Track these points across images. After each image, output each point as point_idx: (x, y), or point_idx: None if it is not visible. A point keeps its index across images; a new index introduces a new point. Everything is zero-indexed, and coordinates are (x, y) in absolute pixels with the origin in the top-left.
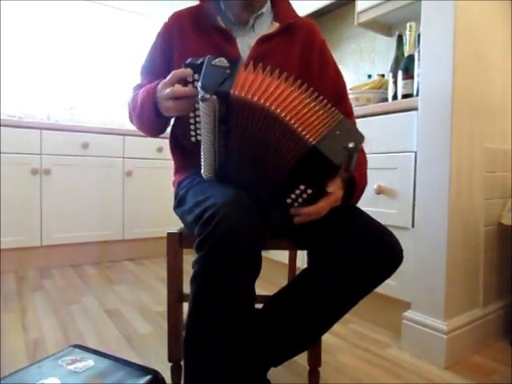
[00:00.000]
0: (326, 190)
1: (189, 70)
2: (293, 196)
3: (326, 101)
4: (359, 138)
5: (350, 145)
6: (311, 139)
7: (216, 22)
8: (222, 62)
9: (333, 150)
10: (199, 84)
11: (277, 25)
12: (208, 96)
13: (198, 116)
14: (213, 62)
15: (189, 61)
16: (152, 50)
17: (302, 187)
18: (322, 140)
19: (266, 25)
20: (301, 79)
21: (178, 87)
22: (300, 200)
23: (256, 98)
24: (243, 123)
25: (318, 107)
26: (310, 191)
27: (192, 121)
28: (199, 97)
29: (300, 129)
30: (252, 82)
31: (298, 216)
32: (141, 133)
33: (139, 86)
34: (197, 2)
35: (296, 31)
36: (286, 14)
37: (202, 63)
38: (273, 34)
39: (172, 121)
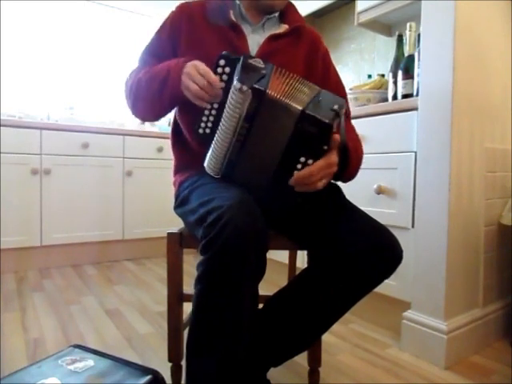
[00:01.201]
0: (324, 149)
1: (221, 83)
2: (296, 172)
3: (303, 79)
4: (341, 101)
5: (335, 106)
6: (300, 107)
7: (228, 16)
8: (257, 62)
9: (320, 111)
10: (236, 76)
11: (285, 26)
12: (245, 88)
13: (215, 109)
14: (249, 60)
15: (224, 53)
16: (158, 33)
17: (303, 159)
18: (308, 106)
19: (275, 26)
20: (305, 77)
21: (205, 82)
22: None
23: (285, 100)
24: (266, 123)
25: (302, 86)
26: (310, 161)
27: (207, 112)
28: (235, 88)
29: (289, 101)
30: (279, 85)
31: (297, 184)
32: (142, 118)
33: (139, 69)
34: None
35: (303, 35)
36: (294, 18)
37: (238, 59)
38: (282, 34)
39: (176, 111)
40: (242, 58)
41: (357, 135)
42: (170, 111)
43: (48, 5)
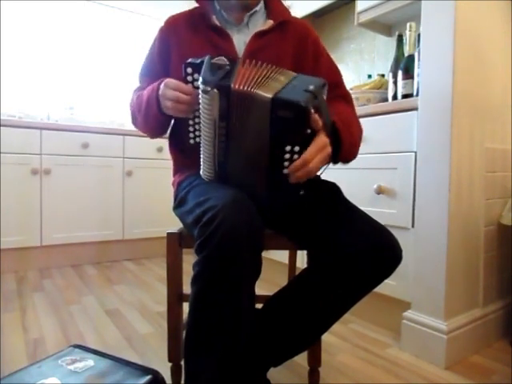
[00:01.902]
0: (307, 132)
1: (192, 90)
2: (286, 164)
3: (280, 68)
4: (318, 81)
5: (311, 87)
6: (269, 95)
7: (211, 21)
8: (221, 59)
9: (293, 94)
10: (200, 79)
11: (271, 22)
12: (209, 89)
13: (197, 117)
14: (213, 60)
15: (189, 60)
16: (150, 53)
17: (288, 148)
18: (280, 92)
19: (260, 22)
20: (294, 71)
21: (182, 95)
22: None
23: (251, 89)
24: (241, 117)
25: (276, 74)
26: (297, 148)
27: (191, 122)
28: (200, 90)
29: (258, 91)
30: (249, 76)
31: (293, 176)
32: (145, 135)
33: (139, 89)
34: (195, 3)
35: (289, 28)
36: (278, 12)
37: (202, 62)
38: (267, 30)
39: (172, 120)
40: (205, 60)
41: (351, 112)
42: (166, 130)
43: (48, 5)
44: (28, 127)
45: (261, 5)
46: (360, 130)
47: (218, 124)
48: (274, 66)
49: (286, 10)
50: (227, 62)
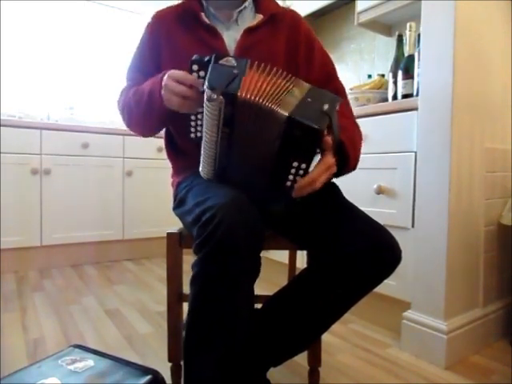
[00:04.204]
0: (317, 152)
1: (200, 81)
2: (290, 177)
3: (292, 77)
4: (332, 99)
5: (325, 107)
6: (286, 112)
7: (200, 19)
8: (229, 61)
9: (309, 115)
10: (206, 83)
11: (260, 16)
12: (215, 96)
13: (201, 113)
14: (220, 61)
15: (195, 57)
16: (139, 48)
17: (295, 164)
18: (296, 109)
19: (250, 17)
20: (288, 66)
21: (185, 89)
22: (298, 178)
23: (261, 100)
24: (247, 125)
25: (288, 83)
26: (303, 165)
27: (193, 117)
28: (205, 96)
29: (274, 106)
30: (257, 83)
31: (298, 192)
32: (139, 135)
33: (130, 87)
34: None
35: (280, 21)
36: (267, 5)
37: (209, 61)
38: (257, 26)
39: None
40: (212, 60)
41: (353, 121)
42: (164, 126)
43: (48, 5)
44: (28, 127)
45: (249, 0)
46: (361, 139)
47: (222, 129)
48: (285, 73)
49: (274, 3)
50: (234, 64)
